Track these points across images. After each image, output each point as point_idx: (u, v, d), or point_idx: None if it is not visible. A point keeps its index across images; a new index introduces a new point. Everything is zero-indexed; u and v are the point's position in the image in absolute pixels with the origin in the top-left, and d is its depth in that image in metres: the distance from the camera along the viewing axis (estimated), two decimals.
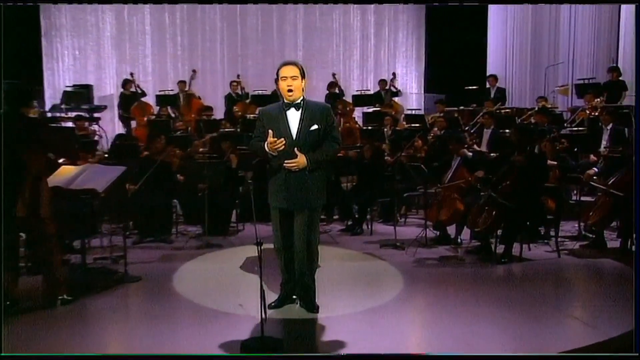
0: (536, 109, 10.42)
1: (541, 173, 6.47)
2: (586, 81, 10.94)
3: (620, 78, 10.72)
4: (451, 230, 7.31)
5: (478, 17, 14.75)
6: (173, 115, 12.55)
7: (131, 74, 13.16)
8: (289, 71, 4.53)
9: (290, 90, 4.51)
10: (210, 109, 11.97)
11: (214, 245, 7.11)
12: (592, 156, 8.75)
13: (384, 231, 8.01)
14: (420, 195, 9.00)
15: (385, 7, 15.53)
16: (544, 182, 6.52)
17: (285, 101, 4.59)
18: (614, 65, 11.28)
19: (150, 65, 15.02)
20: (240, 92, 12.96)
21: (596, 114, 9.81)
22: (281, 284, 4.94)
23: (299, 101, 4.57)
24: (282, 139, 4.43)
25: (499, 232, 6.55)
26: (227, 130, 10.29)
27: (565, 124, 10.00)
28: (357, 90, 13.59)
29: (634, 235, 6.37)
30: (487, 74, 13.88)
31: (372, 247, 7.15)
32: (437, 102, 12.00)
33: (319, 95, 13.12)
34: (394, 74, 13.77)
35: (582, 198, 7.85)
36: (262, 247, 4.06)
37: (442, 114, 11.44)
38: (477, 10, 14.57)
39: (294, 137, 4.54)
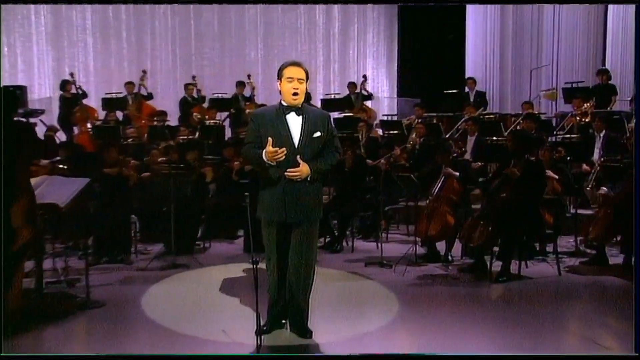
0: (523, 114, 10.67)
1: (540, 183, 6.65)
2: (574, 85, 11.28)
3: (610, 82, 11.09)
4: (440, 246, 7.45)
5: (455, 15, 15.07)
6: (120, 120, 12.43)
7: (71, 74, 12.93)
8: (297, 72, 4.57)
9: (296, 94, 4.55)
10: (164, 113, 11.90)
11: (181, 265, 7.06)
12: (584, 165, 9.02)
13: (366, 248, 8.11)
14: (402, 209, 9.22)
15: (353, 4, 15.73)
16: (542, 193, 6.71)
17: (284, 104, 4.62)
18: (603, 67, 11.68)
19: (92, 64, 14.83)
20: (196, 96, 12.91)
21: (587, 120, 10.13)
22: (269, 306, 4.93)
23: (299, 106, 4.61)
24: (284, 148, 4.45)
25: (494, 248, 6.72)
26: (188, 137, 10.25)
27: (554, 131, 10.29)
28: (325, 94, 13.73)
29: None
30: (466, 76, 14.22)
31: (356, 265, 7.21)
32: (416, 105, 12.20)
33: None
34: (364, 76, 13.94)
35: (579, 211, 8.07)
36: (257, 267, 4.07)
37: (420, 120, 11.65)
38: (454, 8, 14.88)
39: (296, 144, 4.56)
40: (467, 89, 12.97)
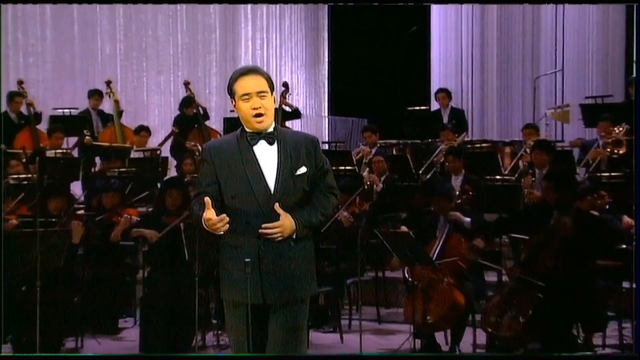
0: (527, 143, 10.99)
1: (599, 243, 6.89)
2: (597, 100, 11.76)
3: None
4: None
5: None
6: None
7: None
8: (253, 85, 4.55)
9: (259, 115, 4.52)
10: None
11: None
12: (626, 217, 9.37)
13: (325, 341, 8.22)
14: (370, 282, 9.32)
15: None
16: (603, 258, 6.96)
17: (249, 130, 4.60)
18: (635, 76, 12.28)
19: None
20: (27, 112, 12.57)
21: (621, 151, 10.49)
22: None
23: (271, 129, 4.61)
24: (224, 216, 4.39)
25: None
26: (26, 176, 10.04)
27: (577, 168, 10.67)
28: (231, 111, 13.69)
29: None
30: (431, 86, 14.62)
31: None
32: (366, 130, 12.39)
33: (164, 118, 13.13)
34: (285, 84, 14.01)
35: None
36: None
37: (375, 150, 11.84)
38: None
39: (272, 187, 4.55)
40: (438, 105, 13.29)
